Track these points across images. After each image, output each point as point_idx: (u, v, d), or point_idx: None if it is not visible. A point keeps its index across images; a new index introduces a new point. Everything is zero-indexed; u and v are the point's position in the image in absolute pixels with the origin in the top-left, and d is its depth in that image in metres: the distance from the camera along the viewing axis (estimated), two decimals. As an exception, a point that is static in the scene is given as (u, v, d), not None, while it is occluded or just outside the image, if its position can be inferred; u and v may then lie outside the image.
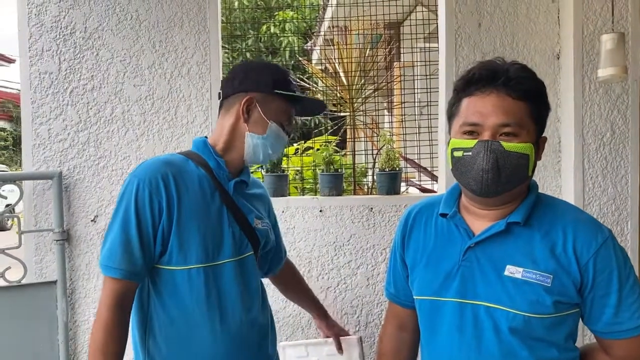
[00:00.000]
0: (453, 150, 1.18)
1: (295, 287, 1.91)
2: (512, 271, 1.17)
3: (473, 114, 1.15)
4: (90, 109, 2.56)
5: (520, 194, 1.22)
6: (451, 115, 1.23)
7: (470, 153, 1.14)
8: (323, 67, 4.14)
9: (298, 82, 1.46)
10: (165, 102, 2.58)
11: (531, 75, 1.19)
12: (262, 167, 2.93)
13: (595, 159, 2.59)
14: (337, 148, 3.67)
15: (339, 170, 2.83)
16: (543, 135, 1.22)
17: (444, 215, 1.29)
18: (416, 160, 3.35)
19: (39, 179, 2.50)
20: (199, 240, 1.35)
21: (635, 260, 2.60)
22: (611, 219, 2.59)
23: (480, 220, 1.24)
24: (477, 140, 1.13)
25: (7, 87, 21.26)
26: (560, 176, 2.68)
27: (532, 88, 1.17)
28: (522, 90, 1.15)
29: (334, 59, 3.23)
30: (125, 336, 1.34)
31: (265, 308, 1.56)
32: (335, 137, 3.41)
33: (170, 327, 1.37)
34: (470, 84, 1.18)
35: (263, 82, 1.44)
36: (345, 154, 3.72)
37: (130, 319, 1.37)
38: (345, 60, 3.10)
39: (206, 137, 1.50)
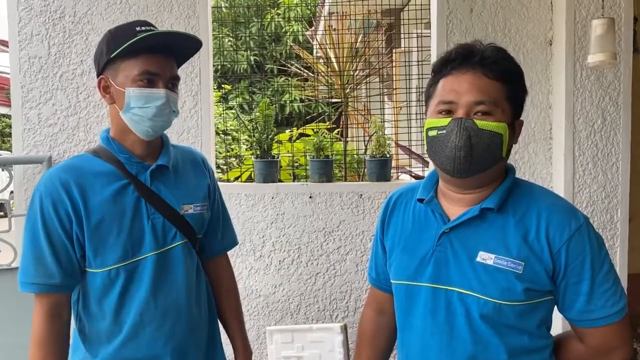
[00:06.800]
0: (428, 130, 1.19)
1: (221, 298, 1.63)
2: (484, 257, 1.16)
3: (449, 92, 1.16)
4: (80, 93, 2.56)
5: (497, 177, 1.21)
6: (428, 97, 1.24)
7: (444, 131, 1.14)
8: (320, 54, 4.12)
9: (145, 28, 1.30)
10: (155, 87, 2.57)
11: (508, 57, 1.19)
12: (252, 153, 2.92)
13: (586, 146, 2.57)
14: (337, 136, 3.66)
15: (329, 156, 2.82)
16: (520, 118, 1.22)
17: (421, 200, 1.29)
18: (409, 147, 3.34)
19: (29, 163, 2.51)
20: (115, 240, 1.31)
21: (625, 247, 2.59)
22: (601, 206, 2.58)
23: (456, 206, 1.24)
24: (450, 118, 1.14)
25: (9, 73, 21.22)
26: (551, 163, 2.67)
27: (508, 69, 1.17)
28: (497, 70, 1.14)
29: (326, 44, 3.21)
30: (63, 345, 1.34)
31: (201, 297, 1.49)
32: (325, 124, 3.39)
33: (95, 324, 1.37)
34: (446, 63, 1.18)
35: (98, 55, 1.36)
36: (348, 142, 3.69)
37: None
38: (335, 46, 3.08)
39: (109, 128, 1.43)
